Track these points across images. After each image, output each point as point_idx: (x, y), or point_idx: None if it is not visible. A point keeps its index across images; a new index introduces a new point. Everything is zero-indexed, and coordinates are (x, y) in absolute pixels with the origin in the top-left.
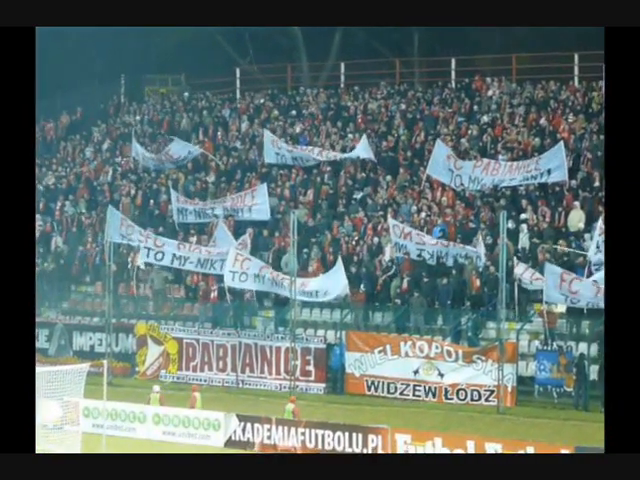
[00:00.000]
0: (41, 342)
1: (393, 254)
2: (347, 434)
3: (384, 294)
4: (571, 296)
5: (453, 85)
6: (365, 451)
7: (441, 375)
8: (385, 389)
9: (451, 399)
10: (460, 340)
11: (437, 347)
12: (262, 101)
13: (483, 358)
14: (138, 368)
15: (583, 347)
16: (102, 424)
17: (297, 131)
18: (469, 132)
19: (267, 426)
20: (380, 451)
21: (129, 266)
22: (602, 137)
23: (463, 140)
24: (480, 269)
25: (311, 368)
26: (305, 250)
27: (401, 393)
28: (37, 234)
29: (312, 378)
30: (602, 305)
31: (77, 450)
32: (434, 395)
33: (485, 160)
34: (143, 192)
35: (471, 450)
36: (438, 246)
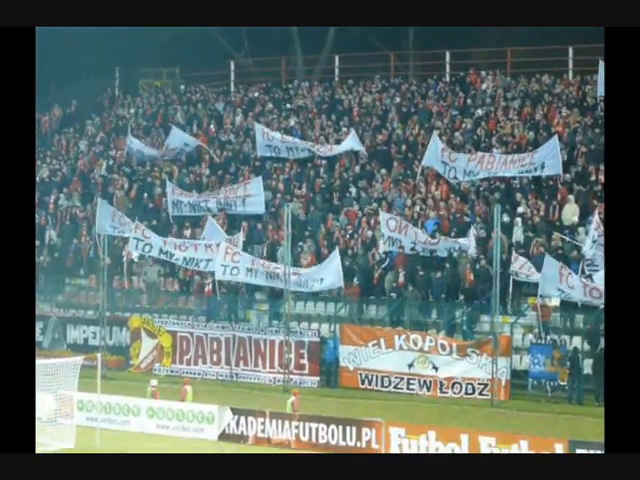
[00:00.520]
0: (35, 335)
1: (386, 248)
2: (341, 427)
3: (378, 287)
4: (567, 290)
5: (448, 78)
6: (359, 444)
7: (435, 368)
8: (379, 383)
9: (446, 392)
10: (454, 333)
11: (431, 340)
12: (256, 94)
13: (477, 351)
14: (132, 361)
15: (577, 341)
16: (96, 417)
17: (291, 124)
18: (463, 125)
19: (261, 419)
20: (374, 444)
21: (124, 259)
22: (597, 130)
23: (457, 134)
24: (473, 262)
25: (305, 361)
26: (300, 243)
27: (395, 387)
28: None
29: (306, 371)
30: (595, 303)
31: (71, 443)
32: (428, 388)
33: (479, 153)
34: (137, 185)
35: (465, 443)
36: (427, 244)
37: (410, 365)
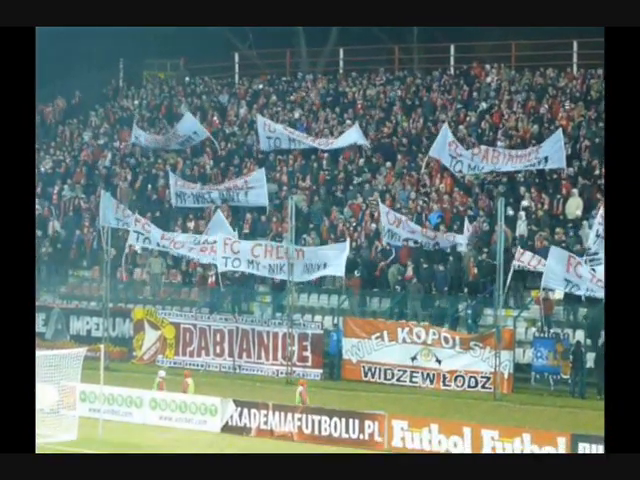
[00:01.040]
0: (38, 326)
1: (386, 240)
2: (344, 420)
3: (381, 280)
4: (575, 280)
5: (452, 72)
6: (362, 437)
7: (438, 361)
8: (382, 375)
9: (448, 385)
10: (457, 327)
11: (434, 333)
12: (261, 86)
13: (480, 345)
14: (135, 353)
15: (580, 334)
16: (99, 408)
17: (296, 117)
18: (467, 119)
19: (264, 411)
20: (377, 437)
21: (126, 251)
22: (601, 124)
23: (461, 127)
24: (471, 256)
25: (308, 354)
26: (304, 236)
27: (398, 379)
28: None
29: (309, 364)
30: (599, 294)
31: (74, 434)
32: (431, 381)
33: (483, 147)
34: (142, 177)
35: (467, 436)
36: (424, 235)
37: (413, 358)
